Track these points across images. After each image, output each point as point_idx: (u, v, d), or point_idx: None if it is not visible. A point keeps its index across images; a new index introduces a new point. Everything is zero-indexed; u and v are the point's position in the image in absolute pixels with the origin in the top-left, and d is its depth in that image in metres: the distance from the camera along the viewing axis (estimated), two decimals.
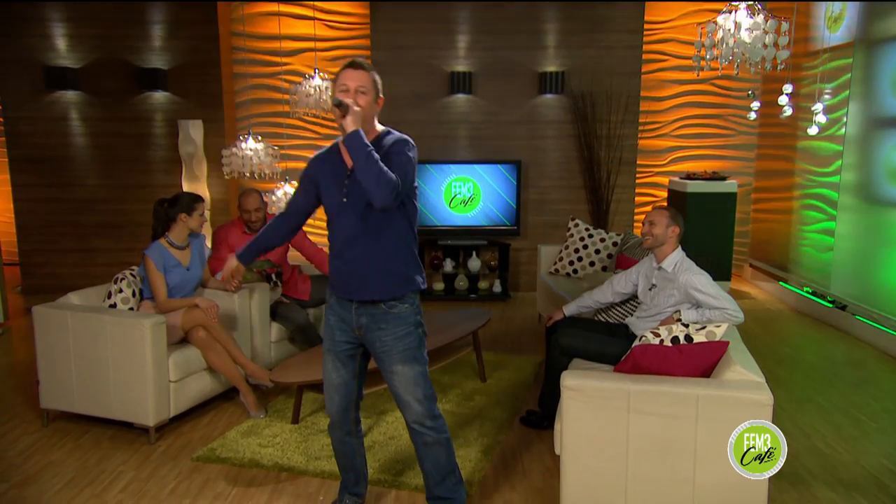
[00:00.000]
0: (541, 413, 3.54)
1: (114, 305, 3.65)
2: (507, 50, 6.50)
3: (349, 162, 2.35)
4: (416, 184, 2.38)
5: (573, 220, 5.36)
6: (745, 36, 4.07)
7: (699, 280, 3.16)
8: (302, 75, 6.62)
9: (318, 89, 5.81)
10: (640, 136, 6.74)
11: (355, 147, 2.20)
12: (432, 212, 6.45)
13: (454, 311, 4.49)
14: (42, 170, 6.54)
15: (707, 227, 6.18)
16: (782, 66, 4.22)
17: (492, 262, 6.60)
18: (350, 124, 2.22)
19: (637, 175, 6.81)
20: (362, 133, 2.22)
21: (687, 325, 2.87)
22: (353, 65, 2.32)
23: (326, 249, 2.63)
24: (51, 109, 6.49)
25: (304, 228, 3.37)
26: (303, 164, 2.68)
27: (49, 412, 3.62)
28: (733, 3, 4.13)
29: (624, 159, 6.59)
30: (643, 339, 2.86)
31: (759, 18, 4.08)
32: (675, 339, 2.76)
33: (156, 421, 3.38)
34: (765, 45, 4.09)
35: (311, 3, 6.69)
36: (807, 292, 5.96)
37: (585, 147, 6.55)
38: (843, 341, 5.08)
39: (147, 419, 3.37)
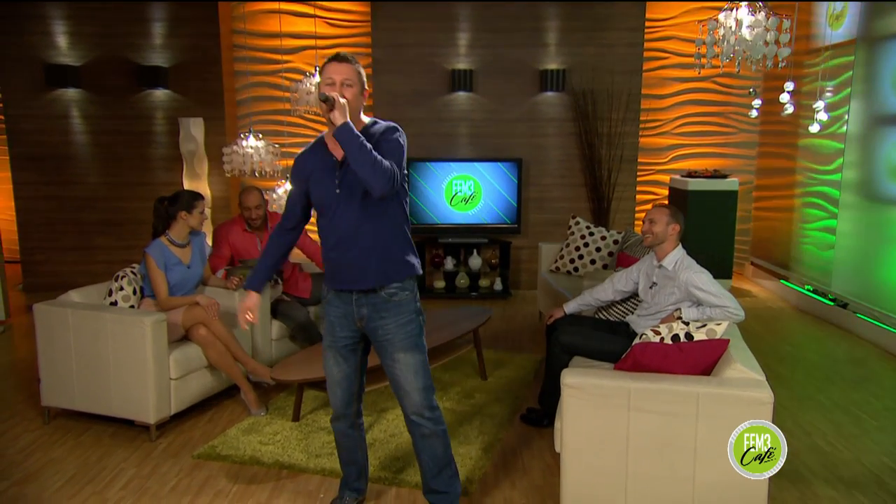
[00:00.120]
0: (541, 411, 3.54)
1: (115, 303, 3.66)
2: (507, 48, 6.49)
3: (338, 154, 2.36)
4: (405, 171, 2.38)
5: (574, 218, 5.35)
6: (747, 33, 4.07)
7: (700, 278, 3.16)
8: (303, 73, 6.63)
9: (318, 87, 5.80)
10: (641, 133, 6.73)
11: (346, 139, 2.20)
12: (433, 210, 6.45)
13: (455, 308, 4.49)
14: (43, 167, 6.55)
15: (708, 225, 6.17)
16: (783, 64, 4.22)
17: (493, 260, 6.60)
18: (338, 117, 2.22)
19: (638, 173, 6.81)
20: (351, 125, 2.23)
21: (687, 323, 2.87)
22: (337, 58, 2.32)
23: None
24: (52, 107, 6.49)
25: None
26: None
27: (50, 410, 3.63)
28: (735, 1, 4.12)
29: (625, 157, 6.59)
30: (643, 336, 2.86)
31: (761, 16, 4.07)
32: (675, 337, 2.76)
33: (157, 418, 3.39)
34: (766, 43, 4.09)
35: (312, 1, 6.69)
36: (808, 290, 5.95)
37: (586, 145, 6.54)
38: (844, 339, 5.07)
39: (148, 417, 3.37)
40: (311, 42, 6.70)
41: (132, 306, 3.69)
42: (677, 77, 6.86)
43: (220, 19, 6.44)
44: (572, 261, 5.20)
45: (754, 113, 5.88)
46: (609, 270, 4.87)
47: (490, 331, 5.23)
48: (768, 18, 4.06)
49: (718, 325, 2.77)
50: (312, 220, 2.54)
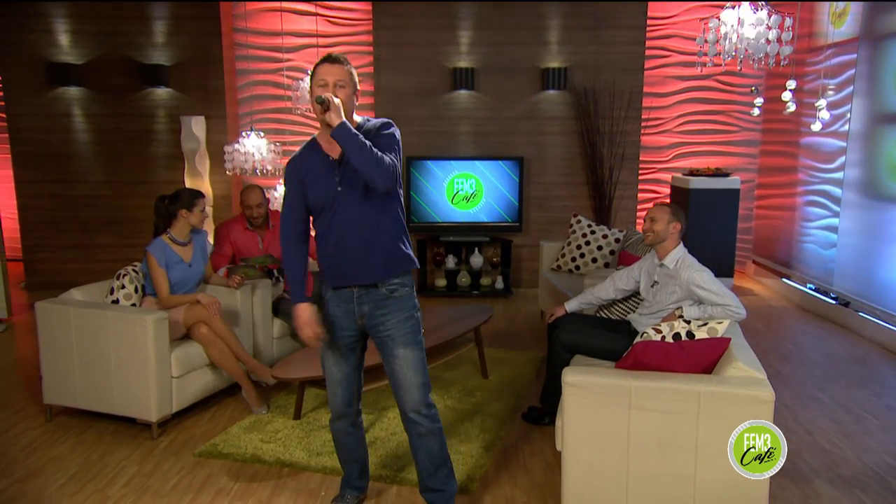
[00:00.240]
0: (542, 409, 3.55)
1: (116, 301, 3.66)
2: (509, 46, 6.48)
3: (334, 153, 2.37)
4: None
5: (575, 216, 5.35)
6: (749, 31, 4.06)
7: (701, 277, 3.15)
8: (304, 71, 6.62)
9: (311, 89, 5.79)
10: (642, 132, 6.72)
11: (345, 139, 2.22)
12: (434, 208, 6.45)
13: (456, 307, 4.49)
14: (45, 166, 6.56)
15: (710, 224, 6.16)
16: (786, 62, 4.21)
17: (494, 259, 6.60)
18: (334, 118, 2.23)
19: (640, 171, 6.80)
20: (349, 124, 2.24)
21: (689, 322, 2.87)
22: (329, 59, 2.33)
23: None
24: (53, 105, 6.50)
25: None
26: None
27: (52, 407, 3.63)
28: (736, 0, 4.11)
29: (626, 155, 6.58)
30: (645, 335, 2.86)
31: (763, 14, 4.06)
32: (676, 336, 2.75)
33: (158, 416, 3.39)
34: (768, 41, 4.08)
35: None
36: (810, 289, 5.94)
37: (588, 143, 6.54)
38: (846, 338, 5.07)
39: (149, 415, 3.38)
40: (313, 41, 6.70)
41: (134, 304, 3.69)
42: (679, 75, 6.84)
43: (221, 18, 6.44)
44: (574, 259, 5.19)
45: (756, 111, 5.87)
46: (610, 269, 4.87)
47: (491, 329, 5.23)
48: (770, 16, 4.05)
49: (720, 323, 2.77)
50: None
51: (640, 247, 4.56)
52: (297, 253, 2.47)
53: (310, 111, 6.36)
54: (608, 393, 2.36)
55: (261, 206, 4.30)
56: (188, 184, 6.43)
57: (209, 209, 6.41)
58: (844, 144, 5.52)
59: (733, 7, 4.13)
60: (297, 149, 2.49)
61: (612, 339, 3.29)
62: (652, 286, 3.43)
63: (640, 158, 6.77)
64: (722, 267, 6.09)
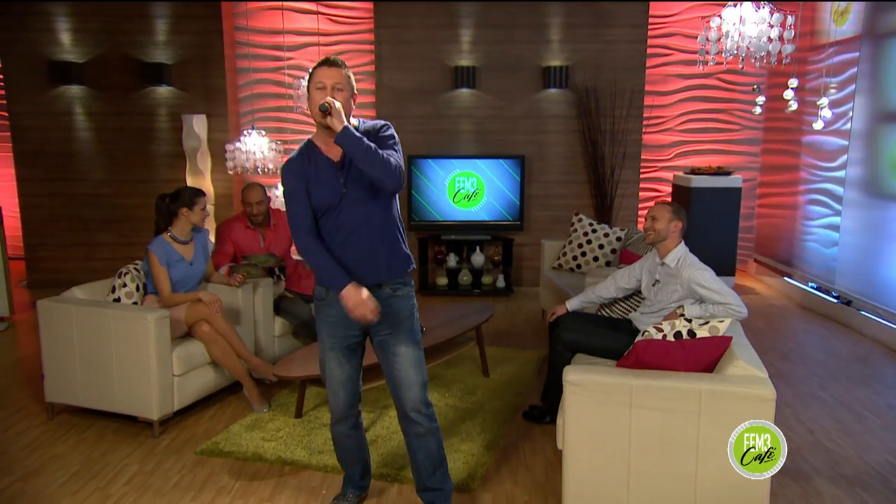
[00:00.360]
0: (543, 407, 3.55)
1: (118, 300, 3.67)
2: (510, 44, 6.48)
3: (334, 155, 2.38)
4: None
5: (577, 214, 5.35)
6: (751, 30, 4.05)
7: (702, 275, 3.15)
8: (305, 70, 6.62)
9: (308, 90, 5.78)
10: (644, 130, 6.71)
11: (351, 143, 2.23)
12: (436, 207, 6.45)
13: (457, 305, 4.49)
14: (46, 164, 6.56)
15: (711, 223, 6.15)
16: (787, 61, 4.20)
17: (495, 257, 6.60)
18: (337, 123, 2.24)
19: (641, 170, 6.79)
20: (351, 128, 2.25)
21: (690, 320, 2.86)
22: (327, 62, 2.34)
23: None
24: (55, 104, 6.50)
25: None
26: None
27: (54, 405, 3.64)
28: None
29: (628, 154, 6.58)
30: (646, 334, 2.86)
31: (765, 12, 4.05)
32: (678, 335, 2.75)
33: (159, 415, 3.40)
34: (770, 39, 4.07)
35: None
36: (811, 287, 5.94)
37: (589, 142, 6.53)
38: (848, 337, 5.06)
39: (151, 413, 3.38)
40: (314, 39, 6.69)
41: (135, 303, 3.69)
42: (681, 74, 6.83)
43: (222, 16, 6.44)
44: (575, 258, 5.19)
45: (758, 109, 5.85)
46: (612, 268, 4.86)
47: (492, 328, 5.23)
48: (772, 14, 4.04)
49: (721, 322, 2.77)
50: None
51: (642, 245, 4.56)
52: (318, 244, 2.39)
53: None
54: (609, 391, 2.36)
55: (261, 203, 4.30)
56: (189, 182, 6.43)
57: (210, 208, 6.41)
58: (846, 143, 5.51)
59: (735, 5, 4.13)
60: (298, 147, 2.48)
61: (613, 338, 3.29)
62: (653, 285, 3.42)
63: (642, 157, 6.76)
64: (723, 265, 6.08)
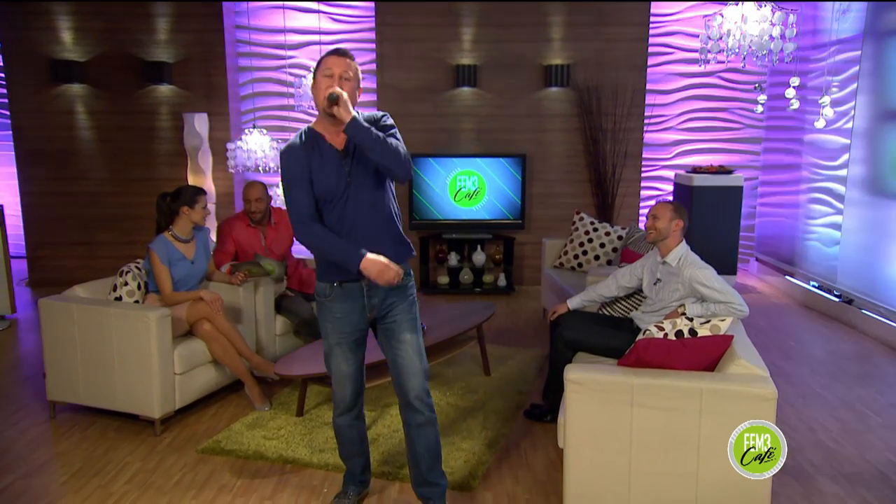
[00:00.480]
0: (544, 406, 3.55)
1: (119, 298, 3.67)
2: (512, 43, 6.47)
3: (338, 144, 2.39)
4: None
5: (578, 213, 5.34)
6: (752, 28, 4.05)
7: (704, 274, 3.15)
8: (306, 68, 6.62)
9: (314, 77, 5.79)
10: (645, 129, 6.71)
11: (361, 133, 2.25)
12: (437, 205, 6.45)
13: (459, 304, 4.49)
14: (48, 163, 6.56)
15: (713, 221, 6.15)
16: (789, 59, 4.20)
17: (496, 256, 6.59)
18: (345, 113, 2.25)
19: (642, 169, 6.78)
20: (360, 118, 2.26)
21: (691, 319, 2.86)
22: (337, 52, 2.36)
23: None
24: (56, 103, 6.50)
25: None
26: None
27: (55, 404, 3.64)
28: None
29: (629, 153, 6.57)
30: (647, 332, 2.85)
31: (766, 10, 4.05)
32: (679, 333, 2.75)
33: (161, 413, 3.40)
34: (771, 38, 4.07)
35: None
36: (813, 286, 5.93)
37: (591, 140, 6.53)
38: (849, 336, 5.06)
39: (152, 411, 3.39)
40: (315, 38, 6.69)
41: (137, 301, 3.70)
42: (682, 72, 6.82)
43: (223, 14, 6.44)
44: (576, 256, 5.19)
45: (760, 108, 5.85)
46: (613, 266, 4.86)
47: (493, 326, 5.23)
48: (774, 13, 4.03)
49: (722, 321, 2.77)
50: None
51: (643, 244, 4.55)
52: (325, 228, 2.37)
53: (312, 108, 6.36)
54: (610, 390, 2.36)
55: (260, 200, 4.29)
56: (191, 181, 6.43)
57: (211, 206, 6.42)
58: (848, 142, 5.50)
59: (737, 4, 4.12)
60: (296, 135, 2.47)
61: (614, 337, 3.29)
62: (655, 284, 3.42)
63: (643, 156, 6.76)
64: (725, 264, 6.08)
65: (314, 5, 6.66)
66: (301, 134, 2.43)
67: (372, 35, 6.60)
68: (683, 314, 3.15)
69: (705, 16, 4.57)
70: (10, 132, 6.58)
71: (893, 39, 5.02)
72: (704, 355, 2.54)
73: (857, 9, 5.44)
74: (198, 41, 6.45)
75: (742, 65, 4.26)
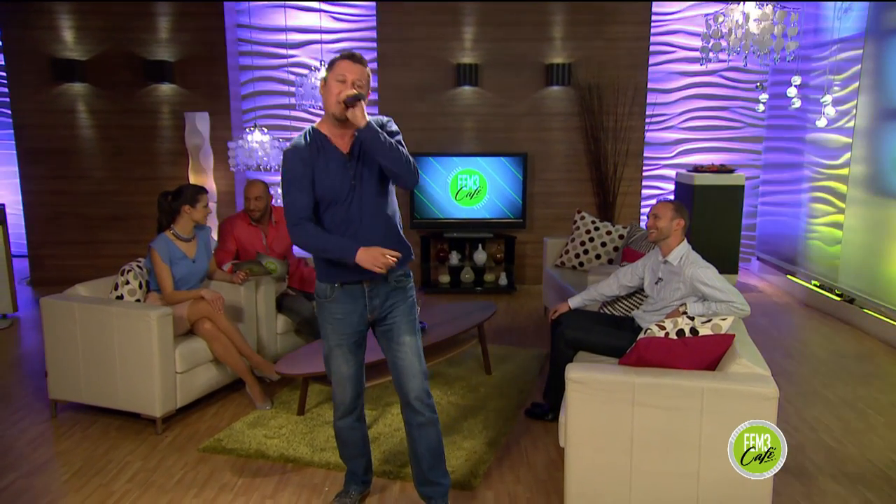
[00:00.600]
0: (546, 405, 3.55)
1: (121, 297, 3.67)
2: (513, 42, 6.47)
3: (344, 147, 2.39)
4: None
5: (579, 212, 5.34)
6: (754, 27, 4.04)
7: (705, 273, 3.15)
8: (308, 67, 6.62)
9: (327, 79, 5.80)
10: (646, 128, 6.70)
11: (375, 139, 2.26)
12: (438, 204, 6.45)
13: (460, 303, 4.49)
14: (49, 162, 6.57)
15: (714, 221, 6.15)
16: (791, 58, 4.19)
17: (497, 255, 6.59)
18: (361, 118, 2.25)
19: (644, 168, 6.78)
20: (373, 123, 2.27)
21: (693, 318, 2.86)
22: (352, 58, 2.33)
23: None
24: (58, 102, 6.51)
25: None
26: None
27: (57, 402, 3.65)
28: None
29: (630, 152, 6.57)
30: (648, 331, 2.85)
31: (768, 9, 4.05)
32: (680, 332, 2.75)
33: (162, 412, 3.41)
34: (773, 36, 4.06)
35: None
36: (814, 286, 5.92)
37: (592, 139, 6.52)
38: (851, 335, 5.05)
39: (154, 410, 3.39)
40: (317, 36, 6.69)
41: (138, 300, 3.70)
42: (684, 71, 6.82)
43: (225, 13, 6.44)
44: (577, 255, 5.19)
45: (761, 107, 5.84)
46: (614, 266, 4.86)
47: (495, 325, 5.23)
48: (775, 11, 4.03)
49: (724, 320, 2.76)
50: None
51: (644, 243, 4.55)
52: (318, 227, 2.37)
53: (313, 107, 6.37)
54: (611, 389, 2.36)
55: (259, 199, 4.29)
56: (192, 180, 6.44)
57: (213, 205, 6.42)
58: (850, 140, 5.49)
59: (738, 2, 4.12)
60: (300, 135, 2.46)
61: (615, 336, 3.29)
62: (656, 283, 3.42)
63: (644, 155, 6.75)
64: (726, 263, 6.08)
65: (315, 4, 6.66)
66: (306, 134, 2.41)
67: (373, 34, 6.60)
68: (685, 313, 3.15)
69: (707, 14, 4.56)
70: (12, 131, 6.59)
71: (895, 38, 5.01)
72: (706, 354, 2.53)
73: (858, 8, 5.42)
74: (199, 40, 6.45)
75: (744, 63, 4.26)
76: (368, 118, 2.30)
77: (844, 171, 5.57)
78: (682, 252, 3.31)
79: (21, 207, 6.70)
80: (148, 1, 6.36)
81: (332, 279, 2.44)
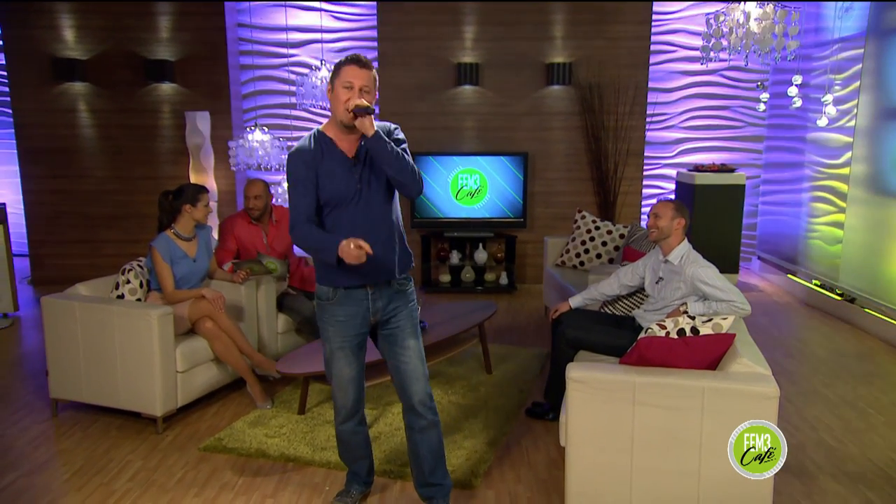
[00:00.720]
0: (546, 405, 3.55)
1: (121, 296, 3.67)
2: (514, 41, 6.47)
3: (349, 152, 2.38)
4: None
5: (580, 211, 5.34)
6: (755, 26, 4.04)
7: (706, 272, 3.15)
8: (308, 67, 6.62)
9: (324, 81, 5.81)
10: (647, 127, 6.70)
11: (381, 149, 2.26)
12: (438, 204, 6.45)
13: (460, 302, 4.49)
14: (50, 161, 6.57)
15: (715, 220, 6.14)
16: (792, 57, 4.19)
17: (498, 255, 6.59)
18: (369, 127, 2.24)
19: (644, 167, 6.78)
20: (381, 132, 2.28)
21: (693, 318, 2.86)
22: (359, 63, 2.29)
23: None
24: (59, 101, 6.51)
25: None
26: None
27: (58, 402, 3.65)
28: None
29: (631, 151, 6.56)
30: (649, 331, 2.85)
31: (769, 8, 4.04)
32: (681, 332, 2.75)
33: (163, 411, 3.41)
34: (774, 36, 4.06)
35: None
36: (815, 285, 5.92)
37: (592, 139, 6.52)
38: (852, 334, 5.05)
39: (155, 409, 3.39)
40: (317, 36, 6.69)
41: (139, 299, 3.70)
42: (684, 70, 6.81)
43: (225, 13, 6.44)
44: (578, 255, 5.19)
45: (762, 106, 5.84)
46: (615, 265, 4.86)
47: (495, 325, 5.23)
48: (776, 11, 4.03)
49: (724, 319, 2.76)
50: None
51: (645, 242, 4.55)
52: (312, 226, 2.34)
53: (314, 107, 6.36)
54: (612, 389, 2.36)
55: (259, 198, 4.29)
56: (193, 179, 6.44)
57: (213, 204, 6.42)
58: (851, 140, 5.49)
59: (739, 1, 4.11)
60: (305, 137, 2.45)
61: (616, 335, 3.29)
62: (657, 282, 3.42)
63: (645, 154, 6.75)
64: (727, 263, 6.08)
65: (316, 4, 6.66)
66: (311, 137, 2.40)
67: (373, 33, 6.60)
68: (685, 312, 3.15)
69: (708, 13, 4.56)
70: (13, 130, 6.59)
71: (895, 38, 5.01)
72: (706, 354, 2.53)
73: (859, 7, 5.42)
74: (200, 39, 6.46)
75: (745, 63, 4.25)
76: (376, 125, 2.29)
77: (845, 171, 5.57)
78: (682, 251, 3.31)
79: (22, 207, 6.71)
80: (148, 0, 6.36)
81: (332, 282, 2.42)
